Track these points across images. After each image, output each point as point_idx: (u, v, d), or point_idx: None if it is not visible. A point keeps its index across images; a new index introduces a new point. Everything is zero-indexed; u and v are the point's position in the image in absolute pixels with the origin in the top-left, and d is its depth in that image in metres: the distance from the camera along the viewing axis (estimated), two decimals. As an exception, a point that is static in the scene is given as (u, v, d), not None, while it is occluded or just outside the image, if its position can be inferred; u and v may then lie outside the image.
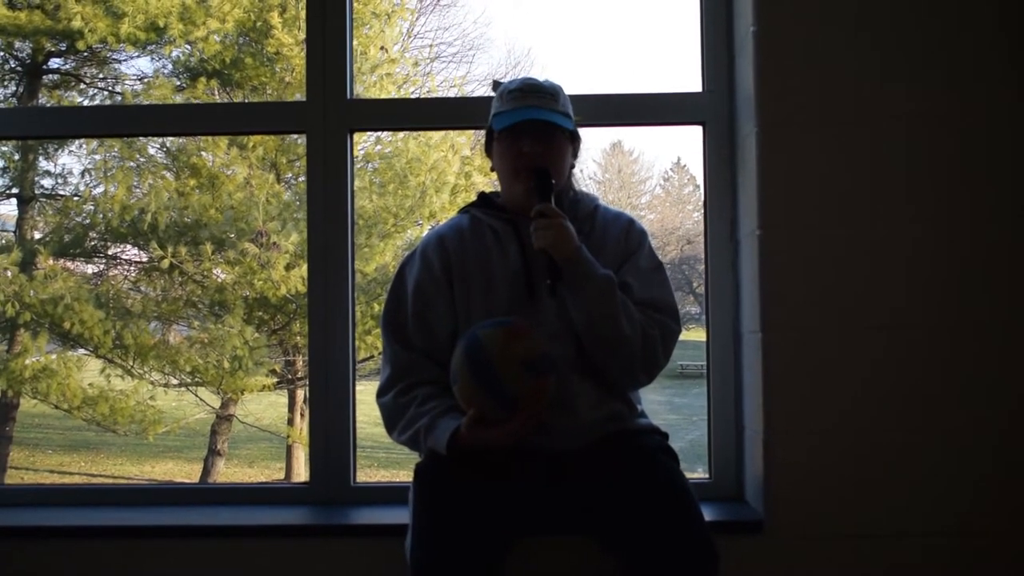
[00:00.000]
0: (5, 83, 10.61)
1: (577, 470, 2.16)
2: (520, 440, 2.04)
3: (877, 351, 2.46)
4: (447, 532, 2.01)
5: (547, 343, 2.07)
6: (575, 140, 2.36)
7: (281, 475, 11.32)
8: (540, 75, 2.41)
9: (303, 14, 5.11)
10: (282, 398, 10.93)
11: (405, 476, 2.13)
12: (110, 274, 10.36)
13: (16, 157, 10.11)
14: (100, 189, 9.50)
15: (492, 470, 2.07)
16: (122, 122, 3.08)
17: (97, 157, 9.59)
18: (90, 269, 10.49)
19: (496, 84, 2.39)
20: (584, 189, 2.49)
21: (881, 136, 2.48)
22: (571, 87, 2.39)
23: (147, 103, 9.03)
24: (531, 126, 2.24)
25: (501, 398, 1.99)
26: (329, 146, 2.77)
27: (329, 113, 2.78)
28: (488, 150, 2.39)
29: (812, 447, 2.45)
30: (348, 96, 2.80)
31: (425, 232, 8.62)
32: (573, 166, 2.40)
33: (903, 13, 2.49)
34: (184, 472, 12.32)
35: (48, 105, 10.38)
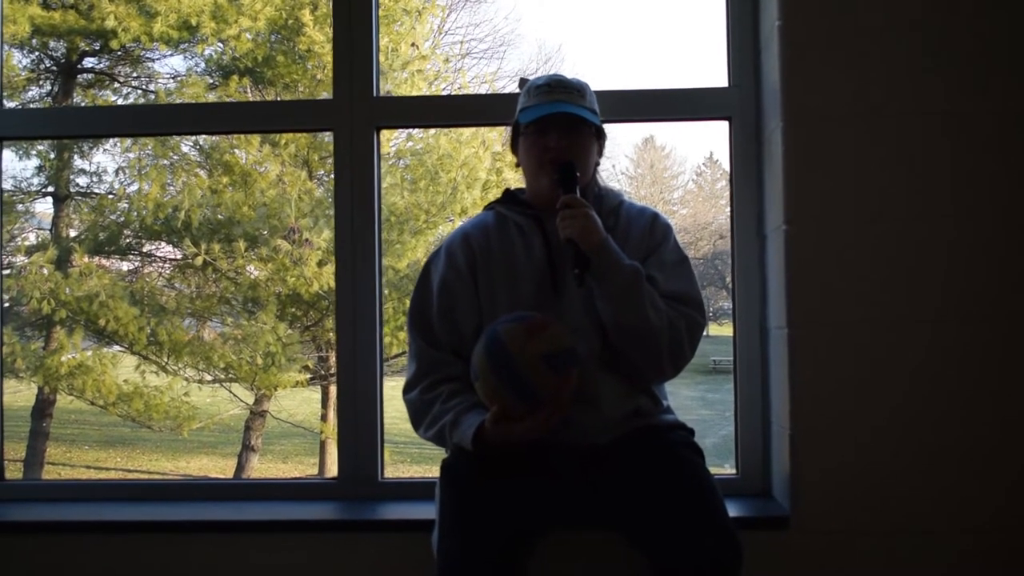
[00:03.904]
0: (41, 83, 10.73)
1: (602, 465, 2.16)
2: (544, 435, 2.03)
3: (903, 347, 2.44)
4: (473, 527, 2.02)
5: (569, 337, 2.05)
6: (600, 136, 2.36)
7: (315, 471, 11.38)
8: (570, 70, 2.41)
9: (333, 11, 5.12)
10: (315, 394, 11.00)
11: (437, 472, 2.15)
12: (144, 271, 10.47)
13: (52, 156, 10.21)
14: (134, 187, 9.62)
15: (517, 465, 2.08)
16: (153, 121, 3.10)
17: (131, 155, 9.71)
18: (125, 266, 10.62)
19: (523, 81, 2.40)
20: (610, 185, 2.49)
21: (906, 131, 2.46)
22: (599, 82, 2.40)
23: (180, 101, 9.11)
24: (557, 120, 2.24)
25: (523, 394, 1.98)
26: (356, 143, 2.79)
27: (356, 111, 2.79)
28: (513, 146, 2.39)
29: (838, 444, 2.44)
30: (375, 94, 2.81)
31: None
32: (598, 163, 2.39)
33: (933, 6, 2.47)
34: (219, 468, 12.41)
35: (83, 104, 10.48)
